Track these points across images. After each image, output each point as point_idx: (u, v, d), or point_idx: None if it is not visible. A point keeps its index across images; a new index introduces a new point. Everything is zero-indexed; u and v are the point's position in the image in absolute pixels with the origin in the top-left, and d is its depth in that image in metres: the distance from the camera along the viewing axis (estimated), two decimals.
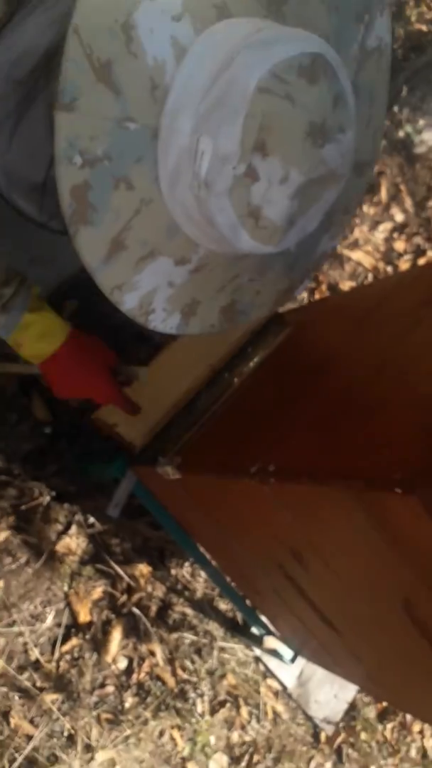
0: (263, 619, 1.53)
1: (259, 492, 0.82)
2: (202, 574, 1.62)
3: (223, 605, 1.63)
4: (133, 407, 1.10)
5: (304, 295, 1.91)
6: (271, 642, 1.57)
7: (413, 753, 1.84)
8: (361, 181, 0.78)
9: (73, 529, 1.52)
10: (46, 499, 1.51)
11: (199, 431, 1.13)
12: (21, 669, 1.46)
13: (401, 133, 2.01)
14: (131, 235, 0.61)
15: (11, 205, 0.72)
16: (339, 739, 1.75)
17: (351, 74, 0.64)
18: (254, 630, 1.58)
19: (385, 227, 2.01)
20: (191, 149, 0.56)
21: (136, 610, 1.54)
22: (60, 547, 1.51)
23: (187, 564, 1.61)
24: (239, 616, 1.62)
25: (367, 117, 0.71)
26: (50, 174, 0.64)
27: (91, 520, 1.53)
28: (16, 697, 1.43)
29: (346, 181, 0.64)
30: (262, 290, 0.78)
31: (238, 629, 1.62)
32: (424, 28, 2.07)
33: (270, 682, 1.67)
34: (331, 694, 1.73)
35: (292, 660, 1.57)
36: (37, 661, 1.47)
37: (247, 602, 1.50)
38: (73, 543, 1.52)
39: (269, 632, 1.54)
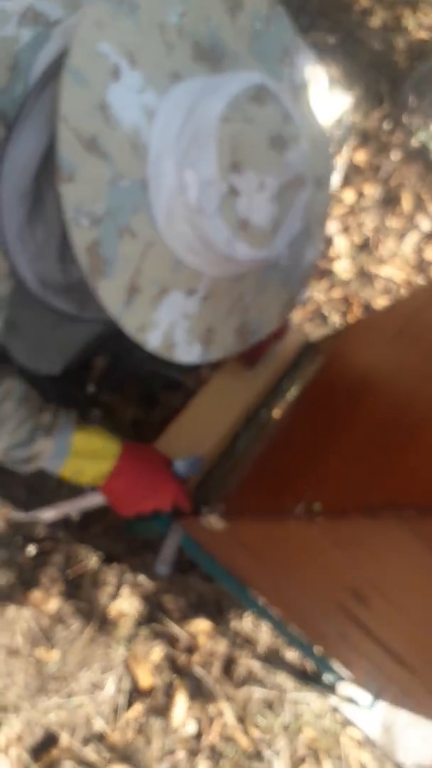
0: (334, 664, 1.43)
1: (307, 532, 0.76)
2: (265, 623, 1.53)
3: (291, 654, 1.54)
4: (191, 505, 1.10)
5: (335, 320, 1.86)
6: (345, 688, 1.46)
7: None
8: (323, 194, 0.87)
9: (125, 590, 1.47)
10: (94, 561, 1.46)
11: (240, 474, 1.07)
12: (86, 741, 1.39)
13: (415, 142, 1.97)
14: (143, 278, 0.69)
15: (48, 307, 0.79)
16: None
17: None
18: (326, 677, 1.48)
19: (412, 238, 1.95)
20: (178, 184, 0.65)
21: (198, 669, 1.46)
22: (113, 610, 1.45)
23: (247, 615, 1.53)
24: (309, 664, 1.52)
25: (312, 138, 0.82)
26: (67, 269, 0.75)
27: (142, 579, 1.48)
28: None
29: (311, 195, 0.73)
30: (266, 306, 0.85)
31: (309, 678, 1.52)
32: (424, 35, 2.04)
33: (351, 731, 1.56)
34: (419, 738, 1.61)
35: (371, 706, 1.46)
36: (102, 731, 1.40)
37: (315, 648, 1.41)
38: (126, 605, 1.46)
39: (342, 678, 1.44)
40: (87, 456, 1.00)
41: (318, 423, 0.99)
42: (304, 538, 0.79)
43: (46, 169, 0.70)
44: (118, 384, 1.57)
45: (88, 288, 0.81)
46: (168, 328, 0.74)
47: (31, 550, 1.44)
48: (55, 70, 0.67)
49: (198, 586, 1.50)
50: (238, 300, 0.80)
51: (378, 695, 1.43)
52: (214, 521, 1.00)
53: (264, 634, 1.53)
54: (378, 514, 0.60)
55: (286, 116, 0.68)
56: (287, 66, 0.79)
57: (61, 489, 1.47)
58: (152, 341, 0.73)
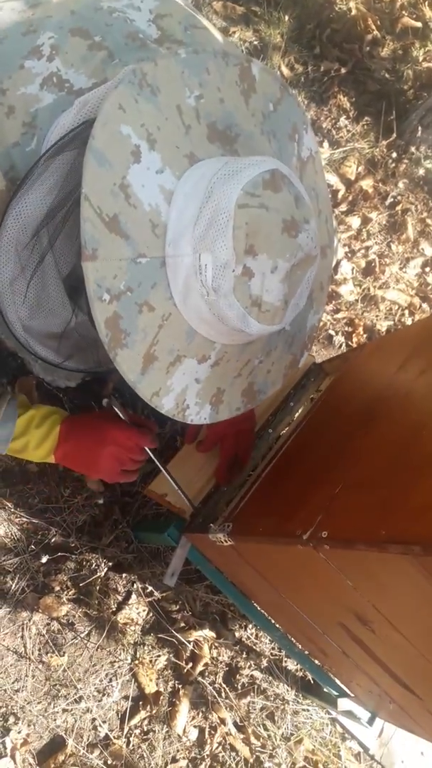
0: (335, 679, 1.47)
1: (314, 557, 0.80)
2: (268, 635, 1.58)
3: (292, 665, 1.59)
4: (132, 476, 1.12)
5: (341, 340, 1.91)
6: (345, 704, 1.51)
7: None
8: (326, 261, 0.91)
9: (133, 598, 1.51)
10: (104, 569, 1.51)
11: (248, 493, 1.12)
12: (91, 747, 1.44)
13: (421, 171, 2.02)
14: (159, 347, 0.72)
15: (29, 351, 0.83)
16: None
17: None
18: (327, 690, 1.53)
19: (416, 263, 2.00)
20: (195, 266, 0.68)
21: (201, 678, 1.51)
22: (121, 618, 1.50)
23: (250, 626, 1.58)
24: (310, 675, 1.57)
25: (317, 209, 0.86)
26: (70, 324, 0.79)
27: (150, 588, 1.52)
28: None
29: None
30: (272, 368, 0.89)
31: (309, 690, 1.57)
32: (431, 65, 2.10)
33: (350, 743, 1.60)
34: (417, 752, 1.65)
35: (369, 722, 1.50)
36: (107, 737, 1.45)
37: (316, 662, 1.45)
38: (134, 613, 1.51)
39: (343, 693, 1.49)
40: (31, 441, 1.06)
41: (326, 448, 1.03)
42: (309, 561, 0.83)
43: (47, 229, 0.74)
44: (131, 399, 1.61)
45: (72, 343, 0.85)
46: (180, 393, 0.77)
47: (44, 557, 1.48)
48: (71, 139, 0.71)
49: (204, 597, 1.54)
50: (246, 364, 0.84)
51: (375, 712, 1.47)
52: (222, 539, 1.04)
53: (267, 646, 1.58)
54: (385, 548, 0.65)
55: (298, 199, 0.71)
56: (295, 141, 0.82)
57: (74, 500, 1.52)
58: (166, 405, 0.77)
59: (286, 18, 2.05)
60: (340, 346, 1.91)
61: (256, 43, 2.09)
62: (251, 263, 0.67)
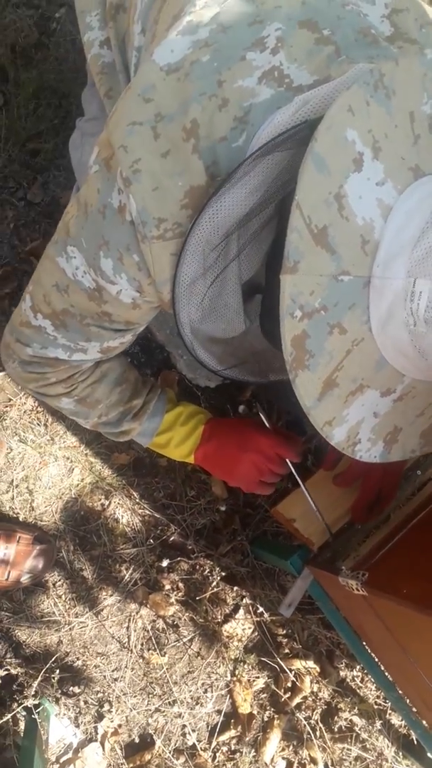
0: None
1: None
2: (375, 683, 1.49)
3: (396, 719, 1.48)
4: (268, 489, 1.12)
5: None
6: None
7: None
8: None
9: (240, 613, 1.47)
10: (216, 578, 1.47)
11: (389, 541, 1.03)
12: (177, 752, 1.42)
13: None
14: (342, 374, 0.65)
15: (192, 354, 0.79)
16: None
17: None
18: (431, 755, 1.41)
19: None
20: (406, 291, 0.61)
21: (298, 712, 1.44)
22: (225, 630, 1.46)
23: (357, 668, 1.49)
24: (417, 738, 1.46)
25: None
26: (225, 329, 0.76)
27: (260, 607, 1.47)
28: None
29: None
30: None
31: (411, 750, 1.46)
32: None
33: None
34: None
35: None
36: (194, 746, 1.43)
37: (423, 723, 1.34)
38: (239, 628, 1.46)
39: None
40: (174, 438, 1.08)
41: None
42: None
43: (240, 232, 0.69)
44: (268, 408, 1.56)
45: (234, 350, 0.81)
46: (355, 425, 0.70)
47: (165, 561, 1.47)
48: (285, 140, 0.65)
49: (314, 629, 1.47)
50: None
51: None
52: (354, 586, 0.97)
53: (372, 692, 1.48)
54: None
55: None
56: None
57: (197, 502, 1.50)
58: (337, 436, 0.70)
59: None
60: None
61: None
62: None
